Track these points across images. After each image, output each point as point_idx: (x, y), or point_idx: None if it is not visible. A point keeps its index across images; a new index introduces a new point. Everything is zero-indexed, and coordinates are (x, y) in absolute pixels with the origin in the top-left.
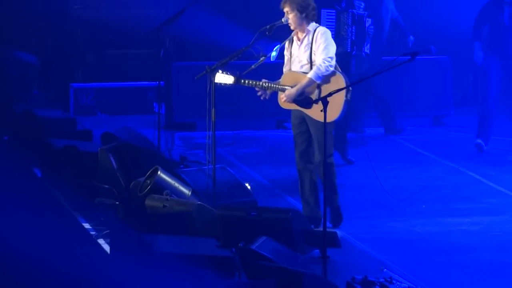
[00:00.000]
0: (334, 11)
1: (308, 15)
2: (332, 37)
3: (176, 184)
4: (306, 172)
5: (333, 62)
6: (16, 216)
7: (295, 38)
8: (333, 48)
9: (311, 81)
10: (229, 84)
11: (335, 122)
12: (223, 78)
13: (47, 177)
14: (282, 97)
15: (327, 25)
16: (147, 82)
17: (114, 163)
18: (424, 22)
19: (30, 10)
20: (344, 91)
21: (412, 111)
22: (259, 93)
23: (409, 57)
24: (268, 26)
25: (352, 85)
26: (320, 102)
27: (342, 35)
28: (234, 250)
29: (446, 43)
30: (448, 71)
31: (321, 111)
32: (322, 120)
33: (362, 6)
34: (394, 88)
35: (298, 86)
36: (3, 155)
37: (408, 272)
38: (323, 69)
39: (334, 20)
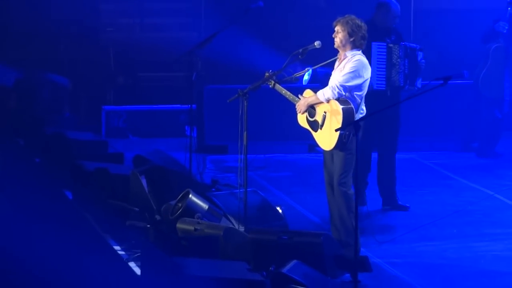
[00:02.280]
0: (384, 44)
1: (356, 41)
2: (383, 71)
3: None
4: (332, 198)
5: (345, 93)
6: (48, 238)
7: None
8: (356, 80)
9: (316, 98)
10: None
11: (356, 156)
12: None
13: (78, 199)
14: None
15: (378, 58)
16: (179, 105)
17: (145, 186)
18: (457, 47)
19: (62, 32)
20: (340, 120)
21: (442, 135)
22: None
23: (442, 82)
24: (300, 50)
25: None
26: (323, 128)
27: (395, 69)
28: (265, 273)
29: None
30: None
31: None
32: (323, 146)
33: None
34: (425, 112)
35: (307, 99)
36: (35, 178)
37: None
38: (331, 92)
39: (385, 54)
